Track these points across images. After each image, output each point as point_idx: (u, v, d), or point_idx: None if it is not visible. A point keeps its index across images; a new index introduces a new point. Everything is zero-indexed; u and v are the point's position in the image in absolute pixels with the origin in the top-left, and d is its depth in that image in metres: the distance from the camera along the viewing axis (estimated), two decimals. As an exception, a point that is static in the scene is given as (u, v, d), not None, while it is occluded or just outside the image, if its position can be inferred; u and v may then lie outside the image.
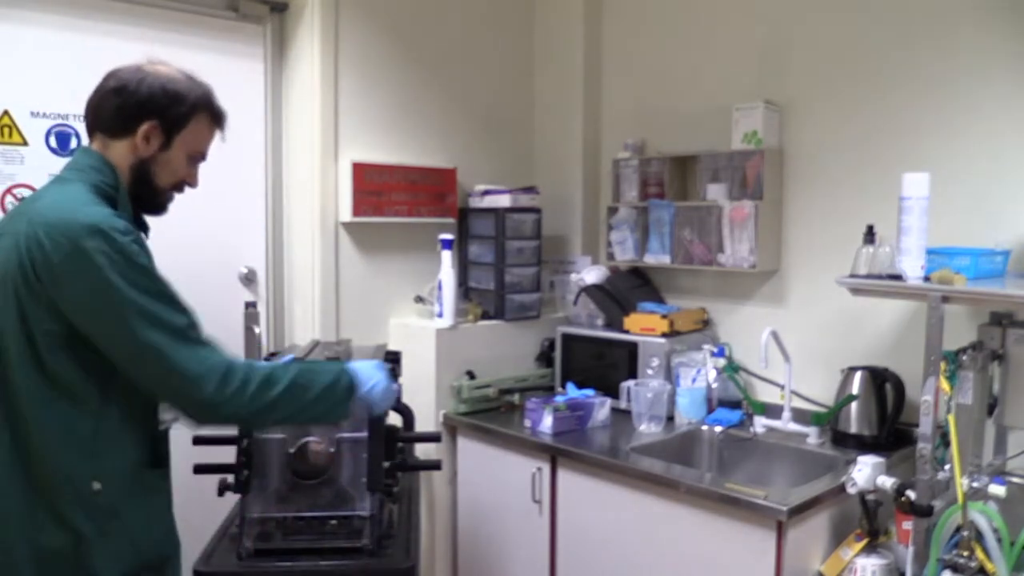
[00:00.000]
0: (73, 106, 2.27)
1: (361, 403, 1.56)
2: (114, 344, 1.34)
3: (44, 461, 1.34)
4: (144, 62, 1.50)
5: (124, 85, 1.45)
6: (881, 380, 2.25)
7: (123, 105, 1.45)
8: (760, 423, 2.39)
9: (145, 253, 1.38)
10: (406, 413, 2.21)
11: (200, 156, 1.56)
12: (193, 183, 1.57)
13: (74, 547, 1.35)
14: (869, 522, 1.91)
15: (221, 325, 2.25)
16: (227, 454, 1.66)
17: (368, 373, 1.57)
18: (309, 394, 1.48)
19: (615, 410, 2.53)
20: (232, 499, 1.67)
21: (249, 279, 2.64)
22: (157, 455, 1.48)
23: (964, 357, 1.81)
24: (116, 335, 1.33)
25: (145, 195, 1.50)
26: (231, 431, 1.62)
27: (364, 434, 1.66)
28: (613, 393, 2.55)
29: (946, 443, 1.80)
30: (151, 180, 1.49)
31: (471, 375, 2.67)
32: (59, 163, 2.21)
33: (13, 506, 1.34)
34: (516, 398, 2.69)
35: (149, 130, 1.45)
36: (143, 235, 1.49)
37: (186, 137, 1.50)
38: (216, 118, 1.56)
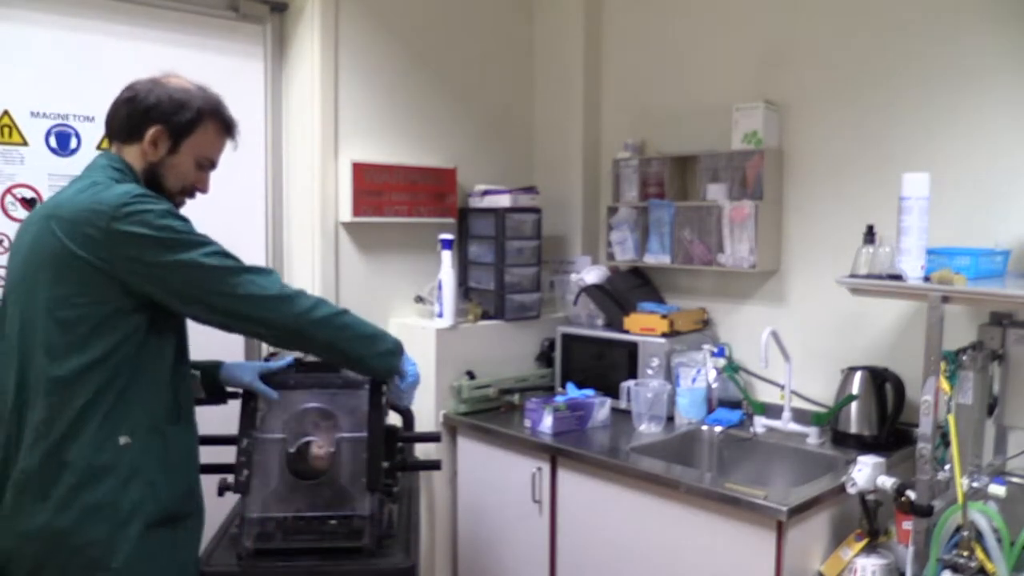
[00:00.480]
0: (73, 106, 2.27)
1: (402, 377, 1.73)
2: (185, 292, 1.47)
3: (71, 424, 1.42)
4: (159, 75, 1.59)
5: (135, 94, 1.55)
6: (881, 380, 2.25)
7: (132, 112, 1.54)
8: (760, 423, 2.39)
9: (172, 208, 1.50)
10: (406, 413, 2.21)
11: (209, 163, 1.64)
12: (203, 189, 1.66)
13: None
14: (869, 522, 1.91)
15: (221, 325, 2.26)
16: (227, 454, 1.67)
17: (410, 357, 1.77)
18: (366, 328, 1.66)
19: (615, 410, 2.53)
20: (232, 499, 1.67)
21: (249, 279, 2.64)
22: (178, 411, 1.56)
23: (964, 357, 1.81)
24: (180, 281, 1.46)
25: None
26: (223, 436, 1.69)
27: (364, 434, 1.66)
28: (613, 393, 2.55)
29: (946, 443, 1.80)
30: (161, 184, 1.57)
31: (471, 375, 2.67)
32: (59, 163, 2.24)
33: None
34: (516, 398, 2.69)
35: (156, 135, 1.54)
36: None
37: (193, 143, 1.58)
38: (226, 127, 1.63)
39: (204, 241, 1.49)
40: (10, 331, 1.48)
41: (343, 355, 1.65)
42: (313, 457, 1.64)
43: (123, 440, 1.44)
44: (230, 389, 1.76)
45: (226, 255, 1.52)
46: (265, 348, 2.50)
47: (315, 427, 1.68)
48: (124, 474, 1.44)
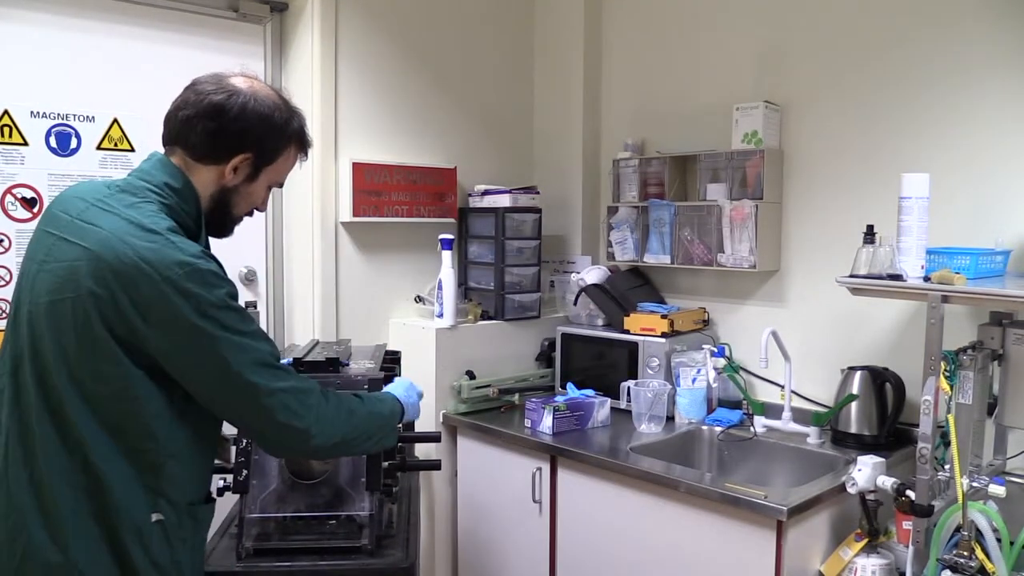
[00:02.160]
0: (73, 106, 2.27)
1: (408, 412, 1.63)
2: (206, 384, 1.29)
3: (109, 493, 1.28)
4: (240, 77, 1.39)
5: (222, 109, 1.33)
6: (881, 380, 2.25)
7: (219, 131, 1.34)
8: (760, 423, 2.39)
9: (232, 289, 1.31)
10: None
11: (279, 185, 1.51)
12: (263, 209, 1.52)
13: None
14: (869, 522, 1.90)
15: (221, 325, 2.26)
16: (227, 454, 1.66)
17: (406, 392, 1.64)
18: (374, 407, 1.52)
19: (615, 410, 2.53)
20: (232, 499, 1.67)
21: (249, 279, 2.64)
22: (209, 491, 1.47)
23: (964, 357, 1.81)
24: (210, 377, 1.28)
25: (217, 221, 1.43)
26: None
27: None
28: (613, 393, 2.55)
29: (946, 443, 1.80)
30: (229, 209, 1.42)
31: (471, 375, 2.67)
32: (59, 163, 2.25)
33: (79, 539, 1.28)
34: (516, 398, 2.69)
35: (241, 162, 1.37)
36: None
37: (274, 169, 1.44)
38: (304, 149, 1.49)
39: (253, 347, 1.30)
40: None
41: (369, 451, 1.56)
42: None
43: (155, 517, 1.32)
44: None
45: (272, 367, 1.33)
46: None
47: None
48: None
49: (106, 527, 1.28)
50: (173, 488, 1.34)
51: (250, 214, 1.50)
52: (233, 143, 1.36)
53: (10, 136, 2.18)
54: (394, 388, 1.65)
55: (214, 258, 1.32)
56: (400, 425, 1.60)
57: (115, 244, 1.24)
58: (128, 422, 1.28)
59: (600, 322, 2.80)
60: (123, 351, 1.25)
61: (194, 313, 1.24)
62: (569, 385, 2.61)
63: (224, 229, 1.47)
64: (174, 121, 1.36)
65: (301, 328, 2.65)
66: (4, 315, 2.15)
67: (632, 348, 2.60)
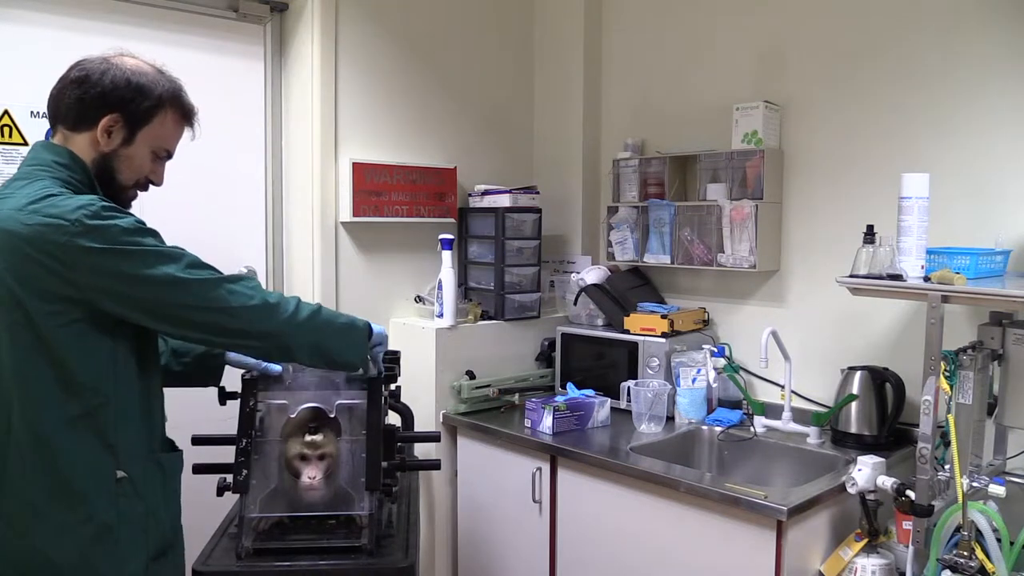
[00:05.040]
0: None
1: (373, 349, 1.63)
2: (153, 304, 1.34)
3: (68, 460, 1.33)
4: (112, 53, 1.45)
5: (86, 75, 1.39)
6: (881, 380, 2.24)
7: (84, 96, 1.39)
8: (760, 423, 2.39)
9: (137, 218, 1.37)
10: (406, 413, 2.21)
11: (166, 154, 1.50)
12: (158, 181, 1.52)
13: (98, 539, 1.35)
14: (869, 522, 1.90)
15: (221, 325, 2.26)
16: (227, 454, 1.66)
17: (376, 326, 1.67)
18: (340, 318, 1.56)
19: (615, 410, 2.53)
20: (231, 499, 1.66)
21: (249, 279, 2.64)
22: (169, 440, 1.51)
23: (964, 357, 1.81)
24: (153, 294, 1.33)
25: (107, 193, 1.43)
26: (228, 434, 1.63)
27: (362, 434, 1.65)
28: (613, 393, 2.55)
29: (946, 443, 1.80)
30: (113, 177, 1.44)
31: (471, 375, 2.67)
32: (59, 163, 2.24)
33: (40, 509, 1.33)
34: (516, 398, 2.69)
35: (110, 123, 1.40)
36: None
37: (150, 133, 1.44)
38: (185, 115, 1.50)
39: (178, 254, 1.37)
40: None
41: (326, 356, 1.55)
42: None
43: (120, 474, 1.37)
44: (247, 375, 1.73)
45: (203, 266, 1.40)
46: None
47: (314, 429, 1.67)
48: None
49: (68, 497, 1.33)
50: (131, 443, 1.39)
51: (144, 187, 1.51)
52: (97, 104, 1.39)
53: (10, 136, 2.18)
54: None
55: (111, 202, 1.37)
56: (370, 355, 1.63)
57: (17, 216, 1.29)
58: (73, 385, 1.32)
59: (600, 322, 2.80)
60: (56, 312, 1.30)
61: (113, 242, 1.29)
62: (569, 385, 2.61)
63: (117, 202, 1.45)
64: (51, 100, 1.42)
65: (301, 328, 2.65)
66: None
67: (632, 348, 2.60)
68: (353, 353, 1.58)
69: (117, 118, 1.40)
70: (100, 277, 1.30)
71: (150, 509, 1.42)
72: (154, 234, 1.37)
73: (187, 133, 1.54)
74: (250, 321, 1.41)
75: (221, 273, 1.42)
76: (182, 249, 1.40)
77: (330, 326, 1.54)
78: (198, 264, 1.39)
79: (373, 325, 1.64)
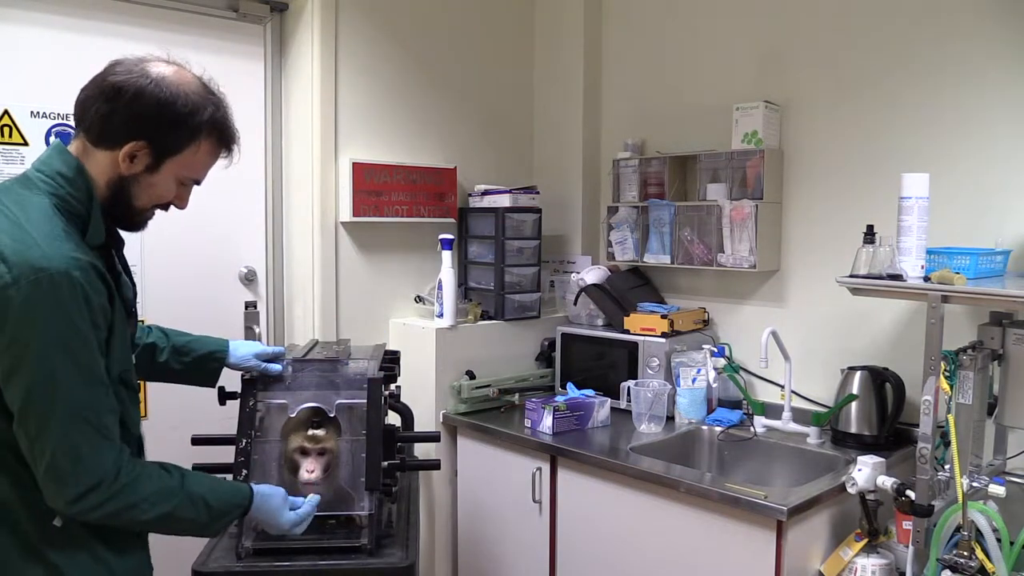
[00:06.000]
0: (73, 106, 2.26)
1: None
2: (20, 392, 1.17)
3: (12, 506, 1.23)
4: (159, 62, 1.29)
5: (119, 90, 1.25)
6: (881, 380, 2.24)
7: (111, 114, 1.25)
8: (760, 423, 2.39)
9: (93, 305, 1.19)
10: (405, 413, 2.22)
11: (193, 182, 1.37)
12: (181, 206, 1.39)
13: None
14: (869, 522, 1.90)
15: (221, 325, 2.26)
16: (227, 454, 1.66)
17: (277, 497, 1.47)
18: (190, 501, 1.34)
19: (615, 410, 2.53)
20: (231, 499, 1.66)
21: (249, 279, 2.64)
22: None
23: (964, 357, 1.81)
24: (26, 388, 1.16)
25: (120, 214, 1.32)
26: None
27: (362, 434, 1.65)
28: (613, 393, 2.55)
29: (946, 443, 1.80)
30: (128, 201, 1.31)
31: (471, 375, 2.67)
32: (59, 163, 2.24)
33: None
34: (516, 398, 2.69)
35: (135, 150, 1.26)
36: (114, 254, 1.35)
37: (179, 162, 1.31)
38: (224, 142, 1.36)
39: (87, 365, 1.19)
40: None
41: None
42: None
43: (57, 522, 1.24)
44: (247, 375, 1.72)
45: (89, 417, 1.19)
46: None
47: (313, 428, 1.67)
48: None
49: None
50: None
51: (164, 208, 1.37)
52: (125, 129, 1.25)
53: (10, 136, 2.18)
54: (267, 492, 1.47)
55: (95, 266, 1.22)
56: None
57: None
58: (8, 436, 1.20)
59: (600, 322, 2.80)
60: None
61: (27, 327, 1.14)
62: (569, 385, 2.61)
63: (129, 222, 1.35)
64: (78, 102, 1.29)
65: (301, 328, 2.66)
66: None
67: (632, 348, 2.60)
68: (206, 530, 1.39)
69: (144, 145, 1.26)
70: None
71: (98, 556, 1.29)
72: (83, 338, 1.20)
73: (222, 160, 1.40)
74: (76, 476, 1.19)
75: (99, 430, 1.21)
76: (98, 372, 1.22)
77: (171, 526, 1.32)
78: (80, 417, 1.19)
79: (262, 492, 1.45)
